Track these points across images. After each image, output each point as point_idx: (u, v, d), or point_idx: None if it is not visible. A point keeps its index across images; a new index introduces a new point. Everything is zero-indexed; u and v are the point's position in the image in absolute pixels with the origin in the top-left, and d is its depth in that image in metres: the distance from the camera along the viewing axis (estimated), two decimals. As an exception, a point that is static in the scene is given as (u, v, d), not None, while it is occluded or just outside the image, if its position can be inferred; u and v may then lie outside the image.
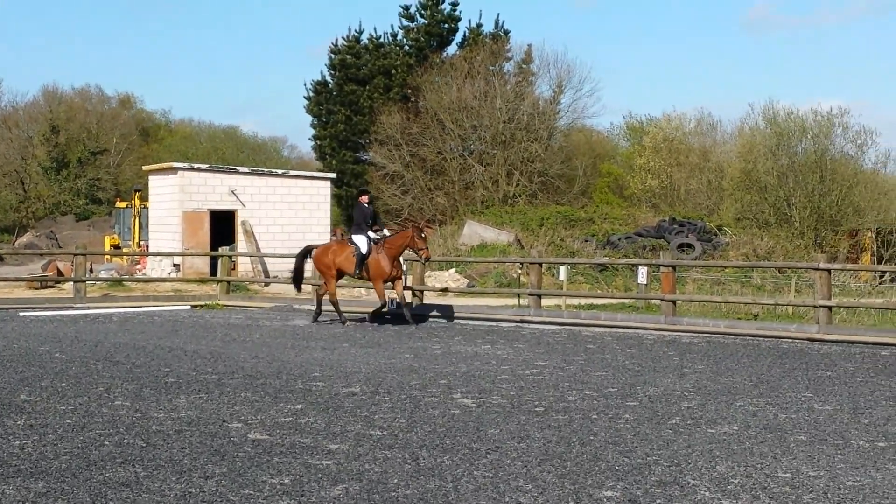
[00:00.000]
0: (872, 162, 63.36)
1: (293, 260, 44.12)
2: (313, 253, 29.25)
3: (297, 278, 29.85)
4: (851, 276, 46.41)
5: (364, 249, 27.84)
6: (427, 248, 27.70)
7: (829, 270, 25.53)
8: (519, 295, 32.89)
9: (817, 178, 58.08)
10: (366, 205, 28.71)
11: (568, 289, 34.11)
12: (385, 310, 28.44)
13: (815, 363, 19.96)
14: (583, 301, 34.49)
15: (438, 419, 13.49)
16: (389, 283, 28.16)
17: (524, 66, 72.78)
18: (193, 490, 9.72)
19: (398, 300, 28.34)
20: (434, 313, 30.16)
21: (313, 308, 29.70)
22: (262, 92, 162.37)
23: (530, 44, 73.90)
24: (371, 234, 28.10)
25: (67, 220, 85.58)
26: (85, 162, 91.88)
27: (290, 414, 13.76)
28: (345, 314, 28.76)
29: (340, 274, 28.69)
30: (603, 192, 72.71)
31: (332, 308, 29.08)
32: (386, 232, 28.81)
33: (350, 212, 73.79)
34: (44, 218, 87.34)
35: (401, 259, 28.25)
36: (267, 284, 41.87)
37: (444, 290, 35.43)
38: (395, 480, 10.18)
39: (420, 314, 29.58)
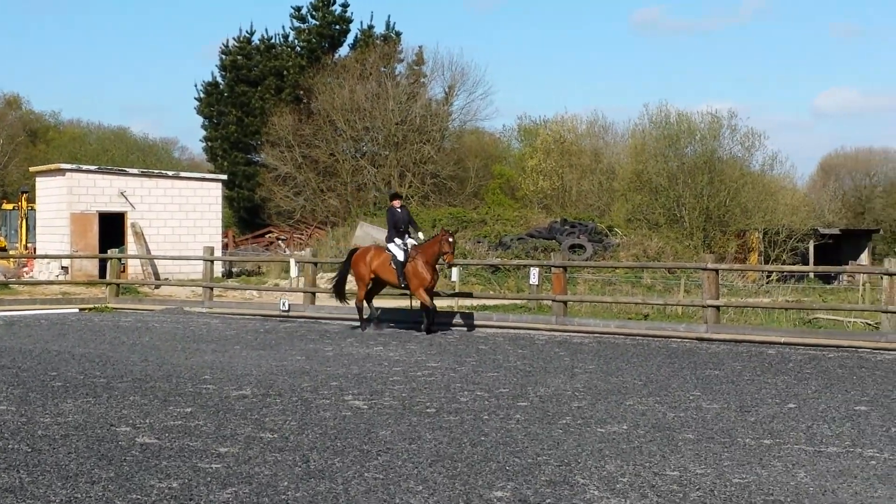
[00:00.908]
0: (760, 164, 64.36)
1: (184, 263, 43.97)
2: (353, 256, 27.74)
3: (340, 286, 28.19)
4: (739, 276, 47.11)
5: (400, 257, 26.51)
6: (452, 253, 26.25)
7: (716, 270, 25.84)
8: (411, 296, 32.83)
9: (706, 180, 58.87)
10: (398, 209, 26.96)
11: (460, 289, 34.17)
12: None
13: (704, 362, 20.19)
14: (475, 302, 34.56)
15: (329, 421, 13.44)
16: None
17: (416, 67, 72.91)
18: (80, 495, 9.59)
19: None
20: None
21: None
22: (152, 93, 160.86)
23: (421, 45, 74.16)
24: (398, 240, 26.63)
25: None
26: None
27: (179, 417, 13.63)
28: (366, 321, 27.22)
29: (381, 282, 27.23)
30: (495, 194, 72.99)
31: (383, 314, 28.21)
32: (417, 238, 27.00)
33: (242, 213, 73.47)
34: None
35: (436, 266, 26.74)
36: (157, 287, 41.48)
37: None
38: (286, 483, 10.13)
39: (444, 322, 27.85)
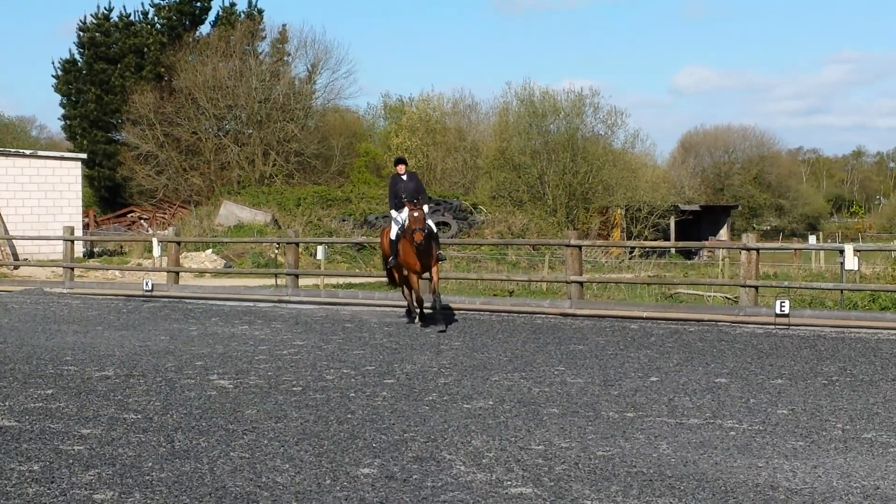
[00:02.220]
0: (622, 141, 65.10)
1: (44, 243, 43.21)
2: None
3: (388, 272, 24.30)
4: (602, 252, 47.64)
5: (393, 234, 22.50)
6: (421, 230, 21.29)
7: (579, 247, 26.08)
8: (276, 275, 32.72)
9: (569, 157, 59.38)
10: (401, 176, 22.40)
11: (326, 268, 34.09)
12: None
13: (568, 338, 20.37)
14: (341, 280, 34.52)
15: (194, 401, 13.31)
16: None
17: (279, 45, 72.41)
18: (-63, 480, 9.39)
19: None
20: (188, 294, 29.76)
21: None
22: (8, 70, 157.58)
23: (285, 24, 73.60)
24: (395, 214, 22.37)
25: None
26: None
27: (40, 399, 13.40)
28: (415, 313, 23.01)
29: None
30: (360, 172, 72.90)
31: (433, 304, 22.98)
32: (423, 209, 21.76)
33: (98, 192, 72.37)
34: None
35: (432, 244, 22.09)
36: (16, 268, 40.75)
37: (202, 272, 35.00)
38: (150, 464, 10.01)
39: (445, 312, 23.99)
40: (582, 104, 61.52)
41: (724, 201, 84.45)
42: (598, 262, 44.00)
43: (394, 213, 22.42)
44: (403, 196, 21.83)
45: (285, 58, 72.20)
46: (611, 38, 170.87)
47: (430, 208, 21.36)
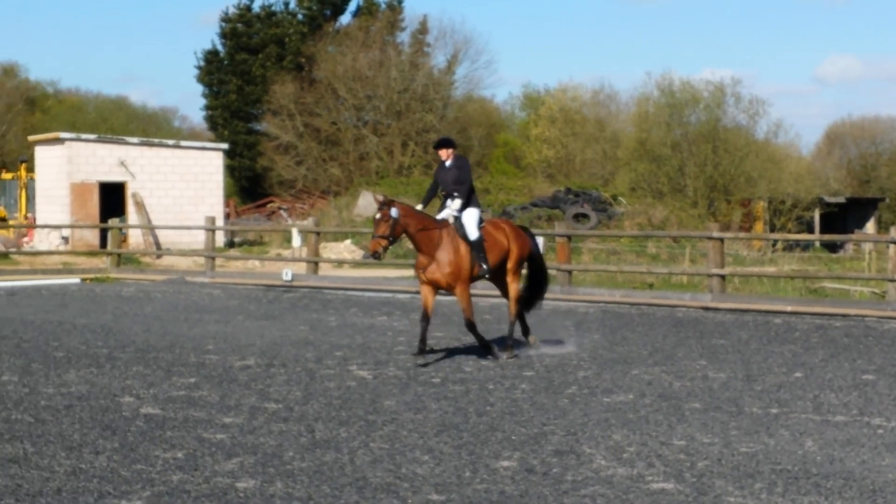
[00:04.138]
0: (764, 132, 64.09)
1: (186, 233, 43.87)
2: None
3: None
4: (744, 245, 47.01)
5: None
6: (375, 237, 16.54)
7: (721, 239, 25.73)
8: (415, 266, 32.74)
9: (710, 149, 58.65)
10: (445, 163, 17.09)
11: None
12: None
13: (710, 331, 20.10)
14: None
15: (334, 391, 13.37)
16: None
17: (419, 36, 72.61)
18: (84, 466, 9.51)
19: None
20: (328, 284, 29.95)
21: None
22: (152, 61, 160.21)
23: (426, 14, 73.86)
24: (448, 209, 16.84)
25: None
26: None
27: (183, 388, 13.56)
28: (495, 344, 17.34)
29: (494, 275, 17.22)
30: (499, 163, 72.81)
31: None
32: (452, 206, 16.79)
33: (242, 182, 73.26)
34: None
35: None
36: (159, 257, 41.41)
37: (341, 262, 35.27)
38: (291, 453, 10.05)
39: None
40: (723, 94, 60.68)
41: (871, 193, 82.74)
42: (739, 255, 43.39)
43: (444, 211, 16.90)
44: (440, 189, 17.02)
45: (425, 48, 72.40)
46: (752, 26, 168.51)
47: (460, 203, 16.57)
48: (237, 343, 18.02)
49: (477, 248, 16.43)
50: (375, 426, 11.31)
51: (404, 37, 73.65)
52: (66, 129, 56.36)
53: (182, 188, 48.36)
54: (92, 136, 49.53)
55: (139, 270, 35.89)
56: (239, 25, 73.68)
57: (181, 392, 13.25)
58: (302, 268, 31.78)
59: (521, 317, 17.44)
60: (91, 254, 40.08)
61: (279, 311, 23.63)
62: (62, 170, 46.61)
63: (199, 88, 75.80)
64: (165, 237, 45.92)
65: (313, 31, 71.50)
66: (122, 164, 47.25)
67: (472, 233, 16.46)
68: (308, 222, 36.84)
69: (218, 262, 35.60)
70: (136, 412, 11.96)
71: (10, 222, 52.26)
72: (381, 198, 16.63)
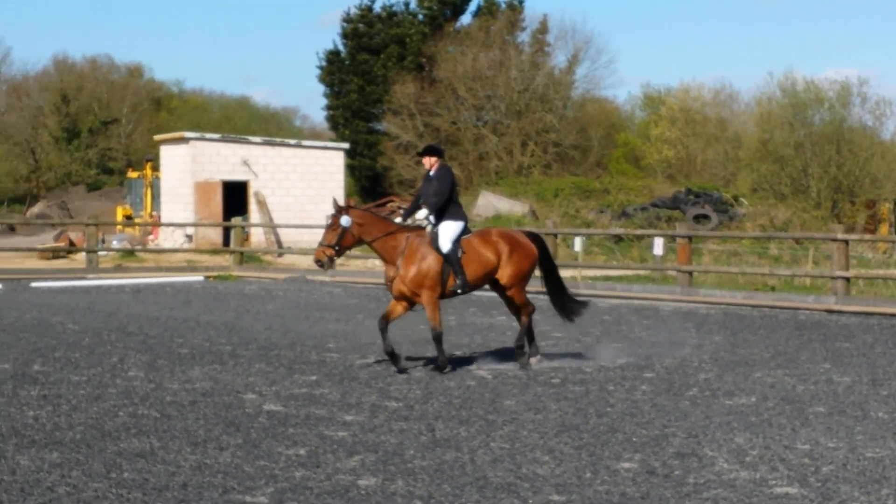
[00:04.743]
0: (891, 133, 63.01)
1: (306, 231, 44.22)
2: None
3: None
4: (869, 247, 46.26)
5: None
6: (324, 245, 15.80)
7: (846, 241, 25.37)
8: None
9: (834, 149, 57.78)
10: (430, 173, 15.92)
11: (583, 260, 33.95)
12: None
13: (833, 335, 19.81)
14: (598, 272, 34.36)
15: (454, 390, 13.42)
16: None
17: (540, 36, 72.48)
18: (208, 461, 9.65)
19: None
20: None
21: None
22: (274, 62, 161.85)
23: (546, 14, 73.78)
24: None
25: (79, 191, 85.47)
26: (96, 132, 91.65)
27: (304, 385, 13.69)
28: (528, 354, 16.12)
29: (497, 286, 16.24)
30: (618, 163, 72.45)
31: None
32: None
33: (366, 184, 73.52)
34: (55, 188, 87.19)
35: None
36: (280, 255, 41.84)
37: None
38: (412, 452, 10.10)
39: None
40: (848, 94, 59.77)
41: None
42: (864, 258, 42.72)
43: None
44: (421, 200, 15.92)
45: (545, 48, 72.28)
46: (876, 24, 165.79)
47: (427, 213, 15.58)
48: (357, 341, 18.15)
49: (450, 260, 15.32)
50: (495, 426, 11.32)
51: (524, 36, 73.61)
52: (190, 129, 57.17)
53: (303, 187, 48.78)
54: (216, 136, 50.17)
55: (261, 269, 36.30)
56: (360, 26, 74.16)
57: (303, 389, 13.38)
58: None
59: (529, 332, 16.09)
60: (214, 252, 40.61)
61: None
62: (186, 169, 47.28)
63: (321, 88, 76.43)
64: (287, 236, 46.34)
65: (434, 31, 71.71)
66: (245, 163, 47.79)
67: (444, 245, 15.33)
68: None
69: (338, 260, 35.76)
70: (258, 409, 12.10)
71: (136, 220, 53.15)
72: (337, 203, 15.87)
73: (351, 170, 69.60)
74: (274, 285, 30.65)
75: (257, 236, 46.64)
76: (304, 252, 39.76)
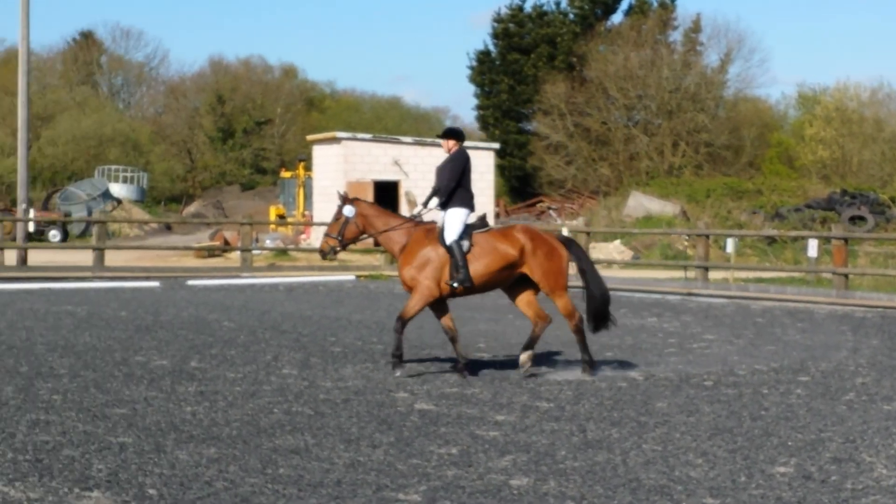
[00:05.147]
0: None
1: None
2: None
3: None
4: None
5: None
6: (328, 236, 15.24)
7: None
8: (685, 267, 32.51)
9: None
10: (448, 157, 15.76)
11: (735, 262, 33.57)
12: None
13: None
14: (751, 274, 33.96)
15: (605, 392, 13.36)
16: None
17: (692, 34, 71.85)
18: (362, 458, 9.74)
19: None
20: None
21: None
22: (424, 62, 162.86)
23: (699, 12, 73.06)
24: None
25: (233, 190, 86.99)
26: (250, 132, 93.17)
27: (455, 385, 13.75)
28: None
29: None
30: (771, 163, 71.48)
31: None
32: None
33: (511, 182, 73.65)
34: (210, 188, 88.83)
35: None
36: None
37: (610, 263, 35.17)
38: (563, 452, 10.08)
39: None
40: None
41: None
42: None
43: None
44: (436, 185, 15.52)
45: (697, 47, 71.64)
46: None
47: (436, 201, 15.33)
48: (508, 341, 18.17)
49: (452, 253, 14.54)
50: (647, 427, 11.25)
51: (676, 35, 73.10)
52: (342, 129, 57.81)
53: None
54: (367, 136, 50.63)
55: (411, 268, 36.45)
56: (511, 26, 74.30)
57: (454, 389, 13.43)
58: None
59: (534, 339, 14.96)
60: (365, 251, 40.95)
61: (549, 311, 23.62)
62: (339, 168, 47.78)
63: (471, 88, 76.78)
64: (437, 235, 46.54)
65: (584, 31, 71.56)
66: (396, 163, 48.16)
67: (448, 235, 14.64)
68: (578, 222, 36.90)
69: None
70: (410, 408, 12.18)
71: (289, 220, 53.86)
72: (341, 194, 15.42)
73: (501, 170, 69.73)
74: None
75: (408, 236, 46.91)
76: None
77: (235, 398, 12.56)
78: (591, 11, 73.32)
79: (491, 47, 75.21)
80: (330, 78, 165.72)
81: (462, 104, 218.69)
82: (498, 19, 75.09)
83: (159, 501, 8.37)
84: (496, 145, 54.33)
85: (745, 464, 9.75)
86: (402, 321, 14.67)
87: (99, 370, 14.41)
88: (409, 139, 51.53)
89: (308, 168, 54.95)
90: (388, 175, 47.99)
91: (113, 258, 37.35)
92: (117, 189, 73.88)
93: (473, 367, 15.03)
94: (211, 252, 42.61)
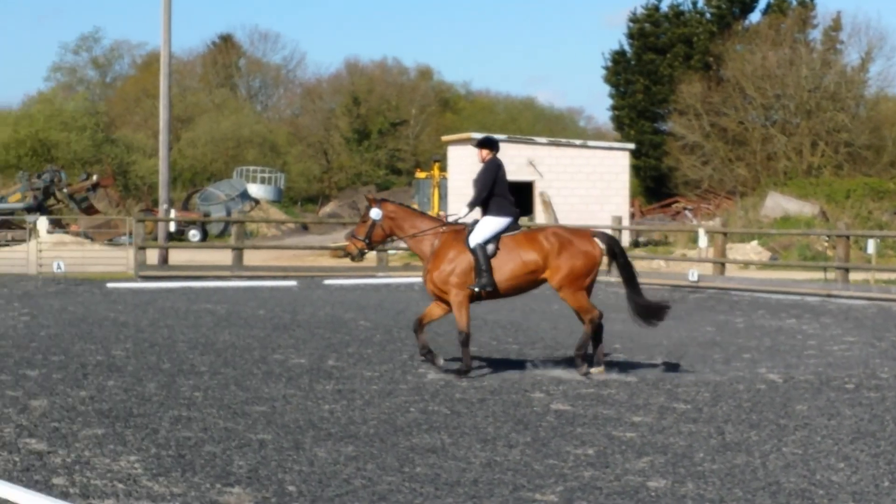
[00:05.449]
0: None
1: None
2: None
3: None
4: None
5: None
6: (352, 237, 15.90)
7: None
8: (825, 269, 32.01)
9: None
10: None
11: (877, 263, 32.96)
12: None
13: None
14: (892, 276, 33.32)
15: (743, 394, 13.21)
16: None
17: (832, 33, 70.70)
18: (498, 458, 9.75)
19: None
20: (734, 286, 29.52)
21: None
22: (559, 63, 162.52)
23: (839, 11, 71.88)
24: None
25: (368, 190, 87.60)
26: (385, 133, 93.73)
27: (591, 385, 13.70)
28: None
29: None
30: (917, 163, 69.98)
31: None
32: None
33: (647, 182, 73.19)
34: (346, 188, 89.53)
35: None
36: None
37: (747, 264, 34.78)
38: (701, 455, 10.00)
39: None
40: None
41: None
42: None
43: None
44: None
45: (837, 45, 70.46)
46: None
47: (467, 209, 15.28)
48: (643, 343, 18.05)
49: (476, 256, 14.49)
50: (787, 430, 11.10)
51: (815, 34, 71.94)
52: (476, 130, 57.88)
53: (588, 187, 48.80)
54: (502, 136, 50.54)
55: (546, 268, 36.42)
56: (646, 25, 73.84)
57: (590, 389, 13.39)
58: (708, 269, 31.53)
59: (595, 338, 14.84)
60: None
61: (685, 312, 23.51)
62: (473, 169, 47.79)
63: (606, 89, 76.44)
64: (571, 236, 46.39)
65: (721, 30, 70.80)
66: (531, 163, 48.11)
67: (472, 239, 14.58)
68: (715, 223, 36.54)
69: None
70: (546, 408, 12.17)
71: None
72: (368, 197, 15.50)
73: (636, 170, 69.24)
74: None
75: (542, 236, 46.84)
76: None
77: (372, 397, 12.66)
78: (729, 10, 72.54)
79: (626, 47, 74.85)
80: (465, 79, 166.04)
81: (596, 104, 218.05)
82: (634, 19, 74.67)
83: (298, 498, 8.47)
84: (631, 146, 53.96)
85: (888, 469, 9.59)
86: (464, 334, 14.56)
87: (238, 368, 14.63)
88: (543, 140, 51.46)
89: (443, 168, 55.09)
90: (522, 176, 47.91)
91: (251, 258, 37.89)
92: (255, 189, 74.90)
93: (610, 367, 14.95)
94: (347, 252, 43.00)
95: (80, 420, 11.09)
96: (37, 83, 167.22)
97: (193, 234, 56.73)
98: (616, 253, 15.48)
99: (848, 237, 29.91)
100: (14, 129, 73.21)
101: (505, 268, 14.54)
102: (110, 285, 27.77)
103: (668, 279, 31.58)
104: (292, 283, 30.34)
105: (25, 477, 8.87)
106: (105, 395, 12.42)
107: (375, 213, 15.02)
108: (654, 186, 73.56)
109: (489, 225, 14.76)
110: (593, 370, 14.49)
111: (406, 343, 17.49)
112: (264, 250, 45.53)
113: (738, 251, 42.02)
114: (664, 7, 74.45)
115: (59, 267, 30.12)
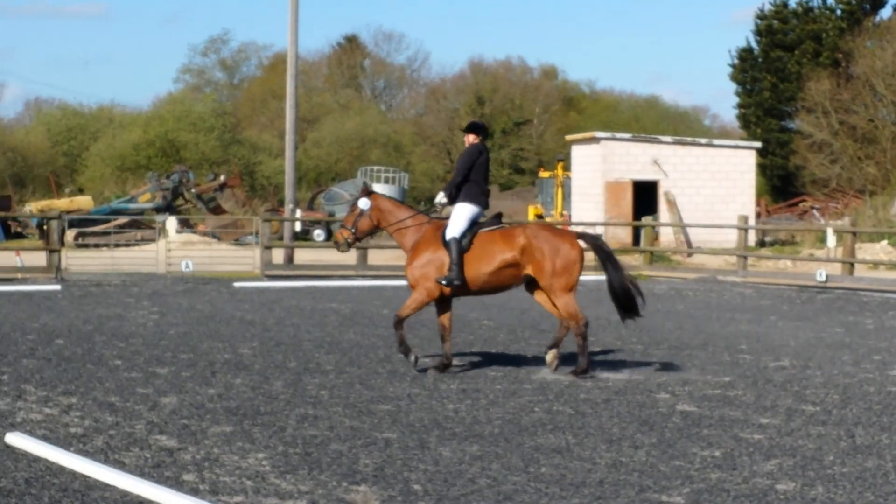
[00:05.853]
0: None
1: (716, 231, 43.80)
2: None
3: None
4: None
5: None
6: (342, 228, 15.32)
7: None
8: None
9: None
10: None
11: None
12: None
13: None
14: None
15: (874, 396, 13.00)
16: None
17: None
18: (624, 459, 9.71)
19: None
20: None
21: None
22: (683, 61, 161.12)
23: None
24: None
25: (492, 190, 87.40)
26: (508, 132, 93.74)
27: (717, 386, 13.57)
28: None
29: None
30: None
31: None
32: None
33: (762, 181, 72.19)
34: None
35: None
36: (690, 255, 41.60)
37: (876, 264, 34.20)
38: (831, 457, 9.86)
39: None
40: None
41: None
42: None
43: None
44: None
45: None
46: None
47: (442, 196, 15.09)
48: (770, 343, 17.83)
49: (448, 249, 14.34)
50: (921, 435, 10.91)
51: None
52: (600, 129, 57.68)
53: (713, 187, 48.33)
54: (626, 136, 50.37)
55: (670, 268, 36.19)
56: (774, 22, 72.92)
57: (716, 391, 13.26)
58: (836, 269, 31.04)
59: (582, 346, 14.38)
60: (624, 251, 40.77)
61: (813, 313, 23.19)
62: (597, 168, 47.66)
63: (731, 87, 75.58)
64: (696, 236, 46.00)
65: (851, 26, 69.67)
66: (655, 162, 47.76)
67: (449, 231, 14.39)
68: (843, 222, 35.99)
69: (749, 261, 35.33)
70: (671, 409, 12.08)
71: (547, 220, 54.01)
72: (363, 186, 15.54)
73: (762, 169, 68.41)
74: (683, 285, 30.49)
75: (667, 236, 46.53)
76: (714, 252, 39.45)
77: (497, 396, 12.68)
78: (859, 6, 71.35)
79: (753, 45, 73.97)
80: (589, 78, 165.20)
81: (721, 102, 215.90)
82: (761, 16, 73.78)
83: (424, 497, 8.51)
84: (757, 144, 53.30)
85: None
86: (399, 319, 14.62)
87: (363, 367, 14.73)
88: (668, 139, 51.06)
89: (566, 168, 54.94)
90: (647, 175, 47.63)
91: (375, 257, 38.06)
92: (379, 189, 75.29)
93: (734, 368, 14.80)
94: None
95: (209, 417, 11.26)
96: (166, 85, 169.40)
97: (318, 234, 57.14)
98: (603, 250, 15.71)
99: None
100: (144, 130, 74.41)
101: (473, 264, 14.43)
102: (237, 284, 28.11)
103: (795, 279, 31.17)
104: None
105: (156, 473, 9.03)
106: (233, 393, 12.59)
107: (364, 202, 14.99)
108: (780, 185, 72.63)
109: (462, 213, 14.55)
110: (548, 356, 14.47)
111: (530, 343, 17.50)
112: (388, 250, 45.76)
113: (867, 251, 41.33)
114: (793, 3, 73.49)
115: (187, 266, 30.62)
